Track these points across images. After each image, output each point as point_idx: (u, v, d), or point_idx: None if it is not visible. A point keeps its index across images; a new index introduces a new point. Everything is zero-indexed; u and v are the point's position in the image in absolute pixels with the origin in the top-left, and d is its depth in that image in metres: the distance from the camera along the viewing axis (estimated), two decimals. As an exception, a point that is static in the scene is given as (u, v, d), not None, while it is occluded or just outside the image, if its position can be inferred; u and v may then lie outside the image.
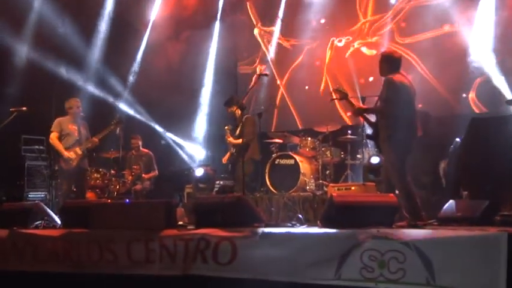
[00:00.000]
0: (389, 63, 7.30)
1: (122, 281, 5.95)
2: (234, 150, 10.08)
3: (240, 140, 9.83)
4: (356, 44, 12.43)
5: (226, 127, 10.26)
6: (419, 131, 7.14)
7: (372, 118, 7.51)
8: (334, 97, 8.15)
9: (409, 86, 7.10)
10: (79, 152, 9.39)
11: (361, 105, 7.98)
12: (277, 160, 10.27)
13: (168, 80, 12.79)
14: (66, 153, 9.26)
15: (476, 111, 10.88)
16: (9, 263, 6.51)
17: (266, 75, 10.69)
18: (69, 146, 9.37)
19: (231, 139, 10.09)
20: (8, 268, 6.50)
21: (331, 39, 12.69)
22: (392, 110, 6.97)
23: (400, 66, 7.30)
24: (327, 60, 12.75)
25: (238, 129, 10.00)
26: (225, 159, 10.31)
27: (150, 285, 5.85)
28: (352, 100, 7.67)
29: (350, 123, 11.82)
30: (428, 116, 9.87)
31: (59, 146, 9.33)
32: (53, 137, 9.39)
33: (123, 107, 13.27)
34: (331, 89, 7.98)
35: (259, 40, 13.80)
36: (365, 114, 7.64)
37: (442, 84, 11.11)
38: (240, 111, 10.04)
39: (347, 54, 12.50)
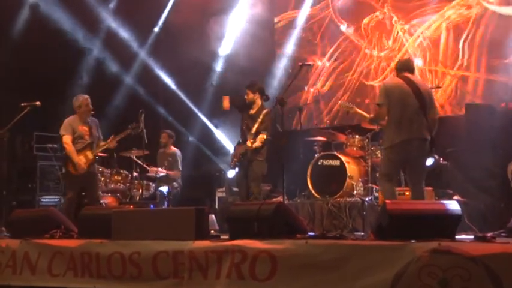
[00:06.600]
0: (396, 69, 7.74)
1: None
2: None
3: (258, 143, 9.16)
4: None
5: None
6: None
7: None
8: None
9: (402, 86, 7.28)
10: (90, 156, 9.46)
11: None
12: (321, 161, 10.21)
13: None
14: (76, 159, 9.28)
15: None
16: (21, 277, 6.54)
17: (309, 65, 10.54)
18: (79, 149, 9.40)
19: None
20: (19, 283, 6.53)
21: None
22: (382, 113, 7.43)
23: (405, 67, 7.54)
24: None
25: (257, 124, 9.25)
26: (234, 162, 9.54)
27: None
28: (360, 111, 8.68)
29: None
30: (493, 110, 9.74)
31: (73, 152, 9.32)
32: (68, 141, 9.36)
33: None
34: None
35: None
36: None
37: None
38: (260, 102, 9.49)
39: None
